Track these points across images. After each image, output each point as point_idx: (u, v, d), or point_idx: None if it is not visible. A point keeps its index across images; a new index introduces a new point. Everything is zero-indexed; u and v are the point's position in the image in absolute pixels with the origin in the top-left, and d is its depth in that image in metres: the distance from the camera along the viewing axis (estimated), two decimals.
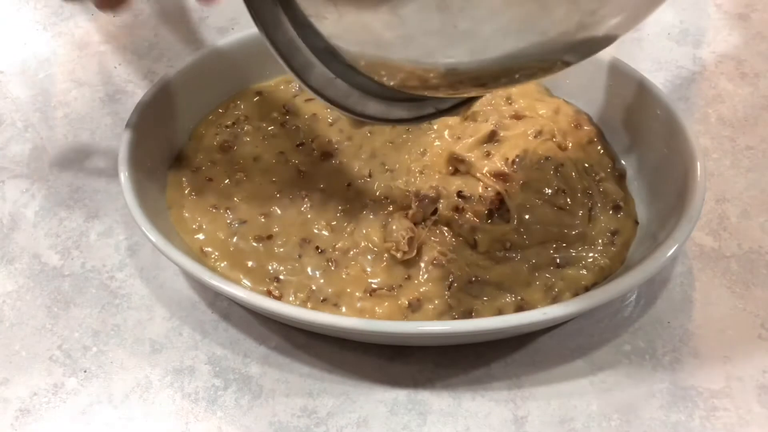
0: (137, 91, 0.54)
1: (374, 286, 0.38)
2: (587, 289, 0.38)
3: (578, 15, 0.23)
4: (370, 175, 0.43)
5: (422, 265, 0.39)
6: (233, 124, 0.47)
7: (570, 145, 0.44)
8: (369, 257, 0.39)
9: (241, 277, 0.39)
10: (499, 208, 0.41)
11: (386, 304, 0.38)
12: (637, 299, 0.40)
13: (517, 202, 0.41)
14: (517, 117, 0.45)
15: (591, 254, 0.39)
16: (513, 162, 0.42)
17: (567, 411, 0.36)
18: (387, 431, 0.35)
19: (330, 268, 0.39)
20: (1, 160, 0.50)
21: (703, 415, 0.36)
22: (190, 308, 0.41)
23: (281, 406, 0.37)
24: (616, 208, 0.41)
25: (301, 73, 0.29)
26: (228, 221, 0.42)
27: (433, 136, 0.45)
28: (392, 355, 0.38)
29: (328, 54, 0.29)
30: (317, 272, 0.39)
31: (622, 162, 0.44)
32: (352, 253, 0.40)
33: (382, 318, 0.37)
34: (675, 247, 0.36)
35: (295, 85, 0.50)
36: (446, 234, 0.40)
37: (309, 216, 0.41)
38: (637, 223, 0.41)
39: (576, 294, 0.38)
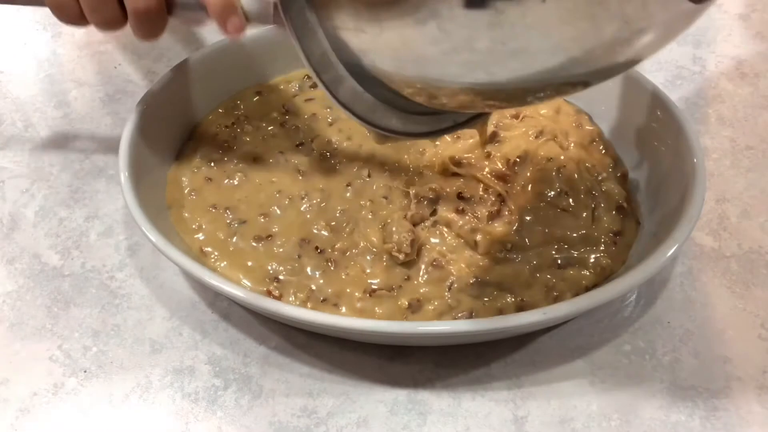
0: (137, 91, 0.54)
1: (374, 286, 0.38)
2: (588, 289, 0.38)
3: (627, 33, 0.24)
4: (369, 175, 0.43)
5: (422, 266, 0.39)
6: (233, 123, 0.47)
7: (572, 145, 0.44)
8: (368, 258, 0.39)
9: (241, 277, 0.39)
10: (499, 209, 0.40)
11: (386, 304, 0.38)
12: (637, 299, 0.40)
13: (519, 203, 0.41)
14: (518, 117, 0.45)
15: (593, 255, 0.39)
16: (514, 163, 0.42)
17: (567, 411, 0.36)
18: (387, 431, 0.35)
19: (329, 269, 0.39)
20: (1, 160, 0.50)
21: (703, 415, 0.36)
22: (190, 308, 0.41)
23: (281, 406, 0.37)
24: (620, 209, 0.41)
25: (331, 86, 0.29)
26: (228, 221, 0.42)
27: None
28: (392, 355, 0.38)
29: (357, 67, 0.28)
30: (317, 272, 0.39)
31: (623, 162, 0.44)
32: (351, 253, 0.40)
33: (381, 318, 0.37)
34: (675, 247, 0.36)
35: (295, 84, 0.50)
36: (446, 235, 0.40)
37: (308, 216, 0.41)
38: (638, 223, 0.41)
39: (577, 294, 0.38)
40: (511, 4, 0.22)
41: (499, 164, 0.42)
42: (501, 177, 0.42)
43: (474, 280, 0.38)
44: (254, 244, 0.40)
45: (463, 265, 0.39)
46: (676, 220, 0.37)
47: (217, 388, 0.37)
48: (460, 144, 0.43)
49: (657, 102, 0.43)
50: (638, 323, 0.39)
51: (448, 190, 0.42)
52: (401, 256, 0.39)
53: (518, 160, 0.42)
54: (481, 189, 0.41)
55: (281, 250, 0.40)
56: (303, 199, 0.42)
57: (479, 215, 0.40)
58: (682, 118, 0.41)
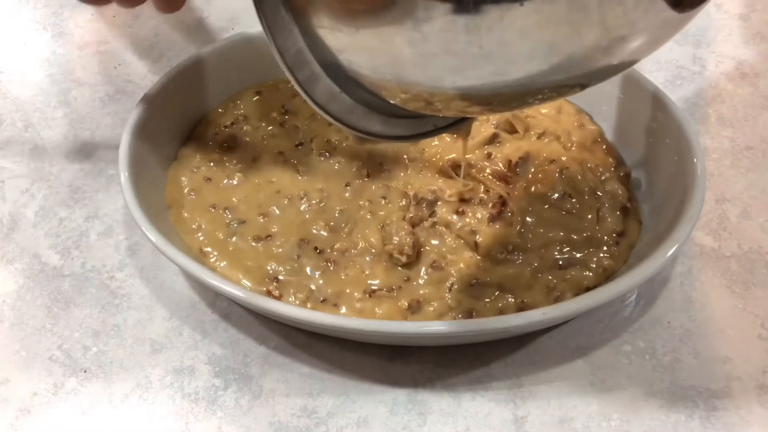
0: (137, 91, 0.54)
1: (373, 287, 0.38)
2: (589, 290, 0.38)
3: (607, 41, 0.23)
4: (368, 176, 0.43)
5: (422, 267, 0.39)
6: (232, 123, 0.47)
7: (574, 145, 0.44)
8: (367, 258, 0.39)
9: (241, 276, 0.39)
10: (501, 211, 0.40)
11: (386, 305, 0.38)
12: (637, 299, 0.40)
13: (521, 205, 0.40)
14: (519, 116, 0.45)
15: (596, 256, 0.39)
16: (516, 164, 0.42)
17: (567, 411, 0.36)
18: (387, 431, 0.35)
19: (329, 269, 0.39)
20: (1, 160, 0.50)
21: (703, 415, 0.36)
22: (190, 308, 0.41)
23: (281, 406, 0.37)
24: (624, 210, 0.41)
25: (306, 86, 0.28)
26: (227, 221, 0.42)
27: None
28: (392, 355, 0.38)
29: (334, 67, 0.28)
30: (316, 273, 0.39)
31: (625, 162, 0.44)
32: (350, 253, 0.40)
33: (381, 319, 0.37)
34: (675, 247, 0.36)
35: None
36: (446, 236, 0.40)
37: (307, 216, 0.41)
38: (640, 223, 0.41)
39: (577, 295, 0.38)
40: (489, 8, 0.21)
41: (501, 165, 0.42)
42: (502, 178, 0.42)
43: (474, 281, 0.38)
44: (254, 244, 0.40)
45: (463, 266, 0.39)
46: (676, 220, 0.37)
47: (217, 388, 0.37)
48: (460, 144, 0.43)
49: (657, 102, 0.43)
50: (638, 323, 0.39)
51: (447, 191, 0.42)
52: (403, 258, 0.39)
53: (520, 161, 0.42)
54: (482, 190, 0.41)
55: (280, 250, 0.40)
56: (302, 199, 0.42)
57: (480, 216, 0.40)
58: (682, 118, 0.41)
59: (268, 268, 0.39)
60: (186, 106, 0.47)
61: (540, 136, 0.44)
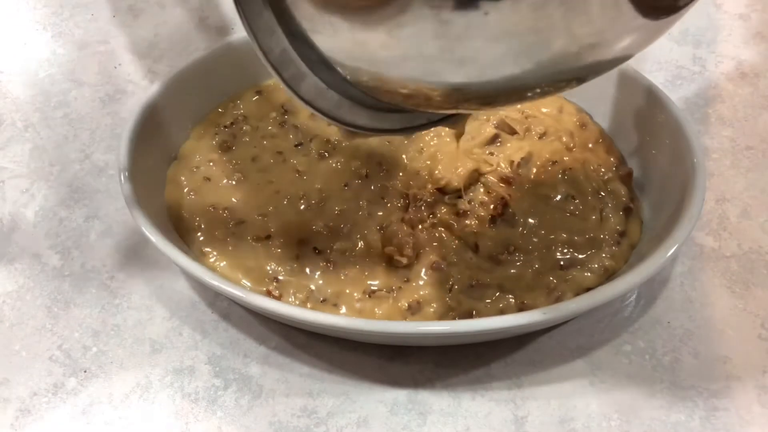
0: (137, 91, 0.54)
1: (373, 287, 0.38)
2: (589, 290, 0.38)
3: (576, 47, 0.23)
4: (366, 175, 0.43)
5: (422, 268, 0.39)
6: (232, 123, 0.47)
7: (576, 145, 0.44)
8: (367, 259, 0.39)
9: (240, 277, 0.39)
10: (502, 213, 0.40)
11: (385, 305, 0.38)
12: (637, 299, 0.40)
13: (522, 206, 0.40)
14: (516, 118, 0.45)
15: (598, 257, 0.39)
16: (518, 165, 0.42)
17: (567, 411, 0.36)
18: (387, 431, 0.35)
19: (328, 269, 0.39)
20: (1, 160, 0.50)
21: (703, 415, 0.36)
22: (190, 308, 0.41)
23: (281, 406, 0.37)
24: (627, 210, 0.41)
25: (292, 83, 0.29)
26: (226, 221, 0.42)
27: (432, 134, 0.44)
28: (392, 355, 0.38)
29: (321, 64, 0.28)
30: (316, 273, 0.39)
31: (627, 161, 0.44)
32: (349, 254, 0.40)
33: (381, 319, 0.37)
34: (675, 247, 0.36)
35: None
36: (445, 237, 0.40)
37: (306, 216, 0.41)
38: (642, 223, 0.41)
39: (578, 295, 0.38)
40: (455, 15, 0.22)
41: (503, 165, 0.42)
42: (504, 179, 0.42)
43: (475, 282, 0.38)
44: (253, 244, 0.40)
45: (463, 267, 0.39)
46: (676, 220, 0.37)
47: (217, 388, 0.37)
48: (461, 144, 0.43)
49: (657, 102, 0.43)
50: (638, 323, 0.39)
51: (447, 192, 0.42)
52: (404, 260, 0.39)
53: (522, 161, 0.42)
54: (482, 190, 0.41)
55: (279, 250, 0.40)
56: (301, 199, 0.42)
57: (480, 217, 0.40)
58: (682, 118, 0.41)
59: (268, 268, 0.39)
60: (186, 106, 0.47)
61: (542, 136, 0.44)
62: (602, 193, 0.41)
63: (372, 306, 0.38)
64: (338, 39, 0.25)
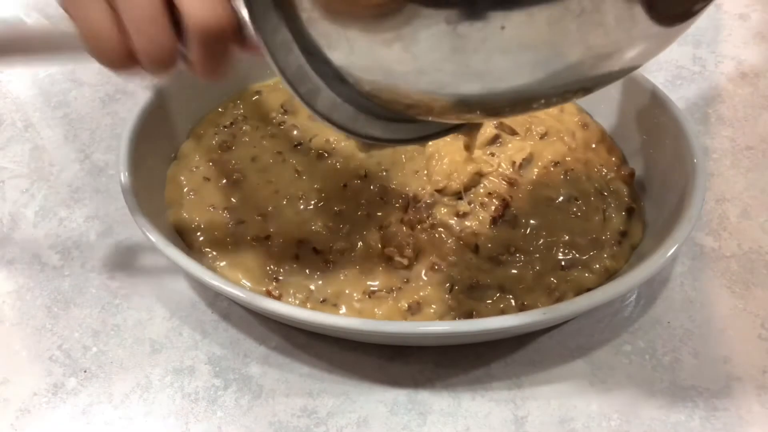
0: (137, 91, 0.54)
1: (373, 288, 0.38)
2: (589, 290, 0.38)
3: (593, 59, 0.24)
4: (365, 175, 0.43)
5: (422, 269, 0.39)
6: (232, 124, 0.47)
7: (578, 145, 0.43)
8: (366, 259, 0.39)
9: (240, 276, 0.39)
10: (503, 214, 0.40)
11: (385, 305, 0.38)
12: (637, 299, 0.40)
13: (524, 207, 0.40)
14: (515, 119, 0.45)
15: (599, 257, 0.39)
16: (519, 165, 0.42)
17: (567, 411, 0.36)
18: (387, 431, 0.35)
19: (328, 269, 0.39)
20: (1, 160, 0.50)
21: (703, 415, 0.36)
22: (190, 308, 0.41)
23: (281, 406, 0.37)
24: (629, 210, 0.41)
25: (308, 98, 0.29)
26: (226, 221, 0.42)
27: None
28: (392, 355, 0.38)
29: (335, 79, 0.28)
30: (315, 273, 0.39)
31: (628, 161, 0.44)
32: (349, 254, 0.40)
33: (381, 319, 0.37)
34: (675, 247, 0.36)
35: None
36: (445, 237, 0.40)
37: (306, 216, 0.41)
38: (644, 223, 0.41)
39: (578, 295, 0.38)
40: (472, 30, 0.22)
41: (504, 166, 0.42)
42: (506, 180, 0.41)
43: (475, 282, 0.38)
44: (253, 243, 0.40)
45: (463, 268, 0.39)
46: (676, 220, 0.37)
47: (217, 388, 0.37)
48: (460, 144, 0.43)
49: (657, 102, 0.43)
50: (638, 323, 0.39)
51: (447, 192, 0.41)
52: (404, 261, 0.39)
53: (523, 161, 0.42)
54: (482, 190, 0.41)
55: (279, 250, 0.40)
56: (300, 199, 0.42)
57: (481, 218, 0.40)
58: (682, 118, 0.41)
59: (268, 268, 0.39)
60: (186, 107, 0.47)
61: (543, 136, 0.44)
62: (605, 193, 0.41)
63: (372, 306, 0.38)
64: (354, 55, 0.26)
